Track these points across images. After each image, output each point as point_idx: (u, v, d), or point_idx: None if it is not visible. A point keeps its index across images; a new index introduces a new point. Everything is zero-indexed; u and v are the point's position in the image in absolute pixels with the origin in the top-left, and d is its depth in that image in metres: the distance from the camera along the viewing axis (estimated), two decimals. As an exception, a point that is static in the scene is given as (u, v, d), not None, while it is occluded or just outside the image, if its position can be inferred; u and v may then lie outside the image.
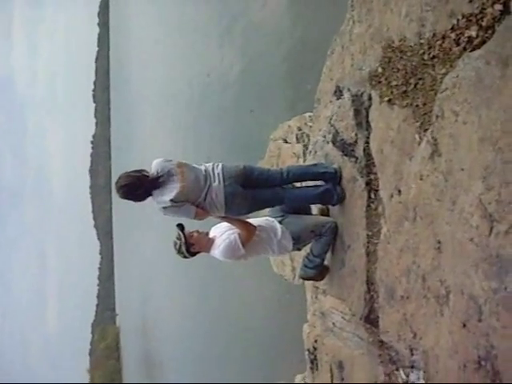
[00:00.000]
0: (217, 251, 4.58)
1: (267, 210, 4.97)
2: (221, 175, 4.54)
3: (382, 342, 4.34)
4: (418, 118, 3.62)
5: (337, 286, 4.93)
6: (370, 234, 4.27)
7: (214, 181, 4.52)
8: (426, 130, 3.49)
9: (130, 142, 35.68)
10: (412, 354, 3.72)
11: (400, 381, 3.96)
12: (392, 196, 3.93)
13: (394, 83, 3.97)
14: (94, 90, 52.41)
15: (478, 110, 2.74)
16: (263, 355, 10.78)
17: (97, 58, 51.81)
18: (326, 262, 5.08)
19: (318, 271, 5.03)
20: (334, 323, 5.35)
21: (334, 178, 4.67)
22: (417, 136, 3.62)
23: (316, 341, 5.65)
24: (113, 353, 36.38)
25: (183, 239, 4.48)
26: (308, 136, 7.07)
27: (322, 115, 5.57)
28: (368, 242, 4.29)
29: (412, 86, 3.72)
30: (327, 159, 4.92)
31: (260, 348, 11.16)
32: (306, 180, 4.91)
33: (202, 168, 4.60)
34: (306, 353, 5.97)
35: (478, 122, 2.74)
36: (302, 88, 9.30)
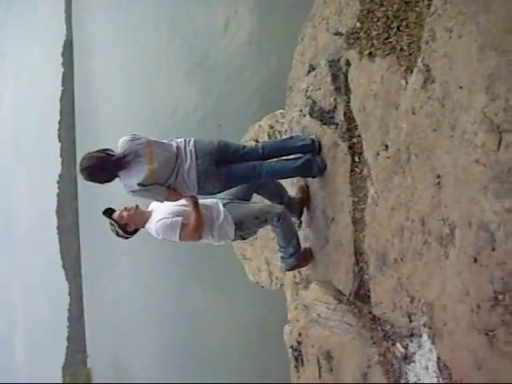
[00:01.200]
0: (153, 226, 4.28)
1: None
2: (193, 152, 4.19)
3: (373, 319, 4.00)
4: (403, 61, 3.38)
5: (321, 267, 4.60)
6: (355, 200, 3.97)
7: (186, 159, 4.17)
8: (412, 72, 3.24)
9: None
10: (411, 321, 3.38)
11: (399, 355, 3.61)
12: (378, 154, 3.65)
13: (375, 33, 3.73)
14: (59, 130, 51.83)
15: (475, 18, 2.48)
16: (242, 374, 10.29)
17: (61, 98, 51.40)
18: (306, 246, 4.77)
19: (297, 257, 4.72)
20: (318, 314, 4.97)
21: (312, 148, 4.38)
22: (402, 81, 3.36)
23: (300, 334, 5.25)
24: (85, 396, 35.10)
25: (115, 224, 4.26)
26: (280, 132, 6.82)
27: (295, 101, 5.32)
28: (354, 210, 3.98)
29: (395, 29, 3.49)
30: (304, 133, 4.63)
31: (242, 366, 10.69)
32: (283, 155, 4.57)
33: (174, 144, 4.25)
34: (289, 351, 5.56)
35: (476, 30, 2.48)
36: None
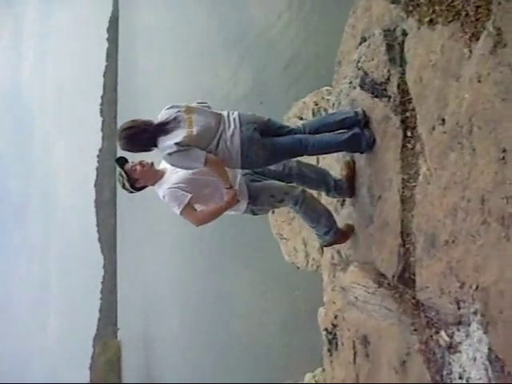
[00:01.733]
0: (161, 189, 4.15)
1: None
2: (237, 120, 4.05)
3: (416, 305, 3.77)
4: (468, 28, 3.11)
5: (364, 248, 4.38)
6: (405, 177, 3.74)
7: (230, 126, 4.02)
8: (477, 39, 2.98)
9: (136, 156, 35.30)
10: (459, 308, 3.15)
11: (443, 344, 3.38)
12: (433, 128, 3.41)
13: (438, -2, 3.46)
14: (101, 105, 52.33)
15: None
16: (270, 357, 10.16)
17: (105, 73, 51.81)
18: (348, 222, 4.55)
19: (334, 234, 4.46)
20: (356, 297, 4.77)
21: (355, 121, 4.15)
22: (466, 50, 3.11)
23: (336, 317, 5.06)
24: (114, 367, 35.54)
25: (125, 176, 4.13)
26: (326, 110, 6.57)
27: (345, 73, 5.08)
28: (403, 188, 3.75)
29: (461, -8, 3.21)
30: (353, 106, 4.40)
31: (266, 350, 10.57)
32: (328, 131, 4.33)
33: (217, 112, 4.12)
34: (323, 333, 5.38)
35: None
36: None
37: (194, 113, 4.04)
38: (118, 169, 4.16)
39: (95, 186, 51.53)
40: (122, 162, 4.17)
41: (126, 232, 40.76)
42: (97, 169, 51.52)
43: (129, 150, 4.08)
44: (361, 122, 4.14)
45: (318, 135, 4.21)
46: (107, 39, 51.25)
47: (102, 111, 51.88)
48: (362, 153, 4.23)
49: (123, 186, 4.19)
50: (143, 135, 3.99)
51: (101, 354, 37.47)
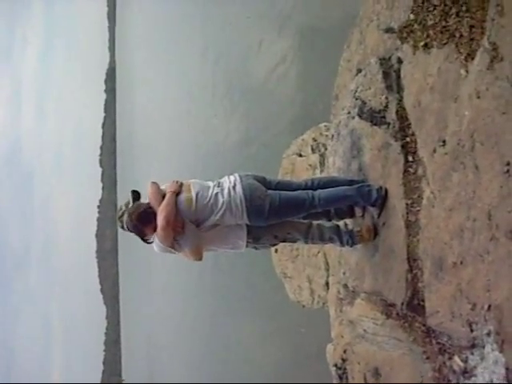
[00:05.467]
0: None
1: None
2: (237, 175, 4.07)
3: (426, 332, 3.69)
4: (463, 48, 3.15)
5: (370, 277, 4.31)
6: (408, 202, 3.71)
7: (230, 180, 4.05)
8: (473, 59, 3.00)
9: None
10: (471, 330, 3.08)
11: (457, 369, 3.29)
12: (435, 151, 3.40)
13: (431, 23, 3.52)
14: (100, 155, 52.70)
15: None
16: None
17: (103, 124, 52.36)
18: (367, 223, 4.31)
19: (354, 240, 4.25)
20: (365, 330, 4.68)
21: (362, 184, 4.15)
22: (462, 70, 3.14)
23: (345, 351, 4.95)
24: (120, 422, 34.80)
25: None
26: (325, 145, 6.60)
27: (343, 104, 5.11)
28: (407, 213, 3.71)
29: (453, 16, 3.27)
30: (353, 135, 4.42)
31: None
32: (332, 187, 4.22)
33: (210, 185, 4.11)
34: (333, 370, 5.25)
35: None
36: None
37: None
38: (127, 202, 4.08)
39: (96, 236, 51.43)
40: (135, 195, 4.11)
41: (129, 282, 40.49)
42: (97, 219, 51.52)
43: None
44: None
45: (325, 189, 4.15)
46: (105, 90, 51.95)
47: (101, 161, 52.20)
48: (373, 205, 4.07)
49: (122, 223, 4.05)
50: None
51: (106, 408, 36.67)
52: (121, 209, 4.08)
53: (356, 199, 4.10)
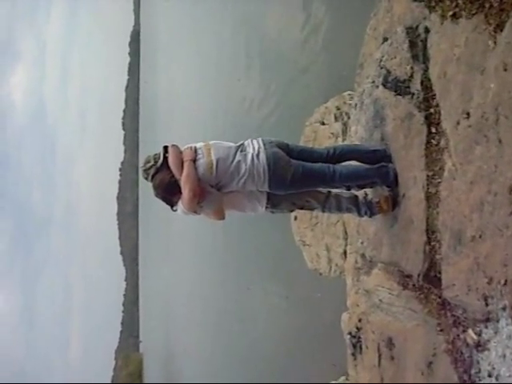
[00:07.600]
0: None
1: None
2: (260, 141, 4.07)
3: (442, 304, 3.70)
4: (492, 19, 3.08)
5: (388, 248, 4.31)
6: (430, 174, 3.68)
7: (254, 146, 4.04)
8: (502, 30, 2.94)
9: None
10: (487, 304, 3.08)
11: (470, 342, 3.30)
12: (458, 123, 3.35)
13: (461, -9, 3.43)
14: (123, 118, 52.90)
15: None
16: (292, 366, 10.08)
17: (127, 87, 52.39)
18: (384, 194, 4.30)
19: (372, 210, 4.27)
20: (380, 300, 4.71)
21: (384, 156, 4.16)
22: (490, 42, 3.07)
23: (360, 320, 5.00)
24: (135, 380, 35.54)
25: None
26: (348, 114, 6.55)
27: (367, 72, 5.05)
28: (428, 185, 3.69)
29: (484, -15, 3.18)
30: (377, 105, 4.38)
31: (288, 360, 10.49)
32: (354, 158, 4.27)
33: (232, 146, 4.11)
34: (347, 337, 5.31)
35: None
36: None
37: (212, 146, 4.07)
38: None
39: (117, 198, 51.95)
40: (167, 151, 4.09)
41: (148, 245, 40.95)
42: (119, 182, 51.97)
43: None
44: (390, 157, 4.12)
45: (345, 165, 4.19)
46: (129, 53, 51.85)
47: (124, 125, 52.40)
48: (388, 186, 4.13)
49: (147, 176, 4.08)
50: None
51: (123, 367, 37.48)
52: (149, 161, 4.07)
53: (375, 179, 4.18)
